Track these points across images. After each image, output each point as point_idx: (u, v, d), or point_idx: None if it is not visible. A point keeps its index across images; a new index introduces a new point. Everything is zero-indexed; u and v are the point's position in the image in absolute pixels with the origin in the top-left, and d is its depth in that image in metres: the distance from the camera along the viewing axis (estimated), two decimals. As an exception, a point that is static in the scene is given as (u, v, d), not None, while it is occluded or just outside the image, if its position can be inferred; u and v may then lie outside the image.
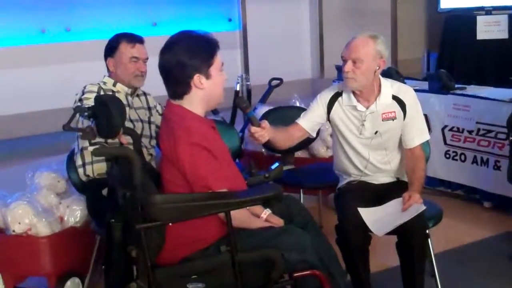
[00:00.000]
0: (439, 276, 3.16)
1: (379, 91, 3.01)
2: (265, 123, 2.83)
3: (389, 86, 3.04)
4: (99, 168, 3.11)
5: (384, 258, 3.42)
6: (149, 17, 7.52)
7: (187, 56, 2.42)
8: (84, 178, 3.17)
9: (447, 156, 4.70)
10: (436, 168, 4.67)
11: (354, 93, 3.02)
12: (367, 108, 3.01)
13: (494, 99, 4.36)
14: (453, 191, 4.77)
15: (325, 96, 3.10)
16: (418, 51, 8.60)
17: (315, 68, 8.74)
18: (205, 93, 2.48)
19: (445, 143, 4.69)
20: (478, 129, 4.45)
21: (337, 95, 3.08)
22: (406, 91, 3.06)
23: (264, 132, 2.81)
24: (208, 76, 2.47)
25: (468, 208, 4.56)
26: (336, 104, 3.07)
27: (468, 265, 3.63)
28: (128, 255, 2.30)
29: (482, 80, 5.24)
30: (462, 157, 4.60)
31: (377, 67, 2.94)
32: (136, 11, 7.39)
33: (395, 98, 3.02)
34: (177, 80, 2.46)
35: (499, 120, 4.28)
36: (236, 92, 5.53)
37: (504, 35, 6.82)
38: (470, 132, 4.51)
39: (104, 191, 3.02)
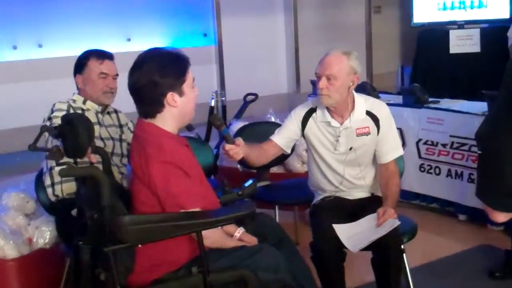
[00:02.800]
0: (415, 291, 3.14)
1: (353, 107, 3.00)
2: (239, 140, 2.80)
3: (363, 102, 3.03)
4: (68, 188, 3.04)
5: (360, 273, 3.39)
6: (123, 33, 7.47)
7: (159, 74, 2.37)
8: (53, 198, 3.10)
9: (422, 169, 4.70)
10: (411, 181, 4.66)
11: (328, 109, 3.00)
12: (341, 124, 3.00)
13: (467, 112, 4.38)
14: (428, 205, 4.77)
15: (299, 113, 3.08)
16: (393, 65, 8.67)
17: (291, 83, 8.75)
18: (178, 111, 2.44)
19: (420, 156, 4.70)
20: (452, 143, 4.47)
21: (311, 111, 3.06)
22: (379, 107, 3.05)
23: (238, 150, 2.78)
24: (181, 94, 2.43)
25: (443, 221, 4.56)
26: (311, 120, 3.05)
27: (443, 279, 3.62)
28: (97, 279, 2.24)
29: (455, 93, 5.27)
30: (437, 170, 4.60)
31: (351, 83, 2.93)
32: (110, 26, 7.32)
33: (368, 113, 3.01)
34: (149, 99, 2.41)
35: (473, 133, 4.23)
36: (211, 108, 5.50)
37: (477, 48, 6.89)
38: (444, 145, 4.53)
39: (74, 212, 2.95)
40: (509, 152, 1.36)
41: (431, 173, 4.64)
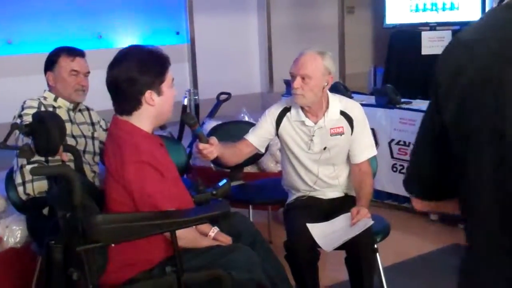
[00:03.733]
0: (388, 290, 3.16)
1: (327, 106, 3.01)
2: (213, 139, 2.79)
3: (337, 102, 3.04)
4: (39, 186, 2.99)
5: (333, 272, 3.40)
6: (94, 30, 7.37)
7: (138, 72, 2.35)
8: (24, 197, 3.04)
9: (394, 169, 4.74)
10: (384, 181, 4.69)
11: (302, 108, 3.00)
12: (316, 123, 3.00)
13: (439, 113, 4.41)
14: (400, 204, 4.80)
15: (273, 112, 3.08)
16: (365, 66, 8.72)
17: (264, 82, 8.74)
18: (155, 110, 2.41)
19: (392, 156, 4.73)
20: (424, 143, 4.49)
21: (286, 110, 3.06)
22: (353, 107, 3.07)
23: (212, 149, 2.77)
24: (159, 93, 2.40)
25: (415, 221, 4.58)
26: (285, 119, 3.04)
27: (416, 279, 3.65)
28: (69, 278, 2.21)
29: (427, 94, 5.29)
30: (409, 170, 4.63)
31: (326, 83, 2.93)
32: (81, 23, 7.23)
33: (342, 113, 3.02)
34: (127, 96, 2.38)
35: (445, 134, 4.34)
36: (184, 107, 5.45)
37: (448, 50, 6.95)
38: (416, 145, 4.55)
39: (45, 210, 2.91)
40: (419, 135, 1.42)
41: (403, 173, 4.66)
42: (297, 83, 2.89)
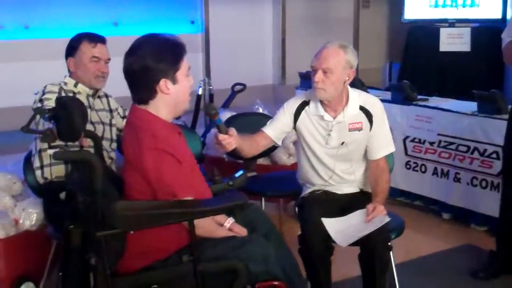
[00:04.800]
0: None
1: (347, 101, 2.99)
2: (232, 130, 2.78)
3: (357, 97, 3.02)
4: (57, 170, 3.01)
5: (345, 267, 3.40)
6: (110, 17, 7.40)
7: (153, 60, 2.33)
8: (41, 181, 3.07)
9: (408, 166, 4.73)
10: (397, 178, 4.69)
11: (321, 102, 2.99)
12: (334, 118, 2.99)
13: (456, 112, 4.41)
14: (413, 202, 4.81)
15: (292, 105, 3.07)
16: (379, 61, 8.69)
17: (276, 74, 8.74)
18: (171, 98, 2.40)
19: (406, 153, 4.73)
20: (440, 141, 4.49)
21: (304, 104, 3.05)
22: (373, 102, 3.05)
23: (231, 140, 2.76)
24: (174, 81, 2.39)
25: (427, 219, 4.59)
26: (303, 113, 3.03)
27: (427, 278, 3.64)
28: (86, 263, 2.22)
29: (443, 92, 5.30)
30: (423, 168, 4.63)
31: (347, 78, 2.92)
32: (97, 10, 7.25)
33: (362, 109, 3.01)
34: (142, 84, 2.37)
35: (461, 132, 4.34)
36: (198, 96, 5.48)
37: (467, 48, 6.92)
38: (431, 143, 4.55)
39: (62, 195, 2.92)
40: None
41: (417, 170, 4.68)
42: (319, 77, 2.88)
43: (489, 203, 4.15)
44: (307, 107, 3.04)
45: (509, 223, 3.60)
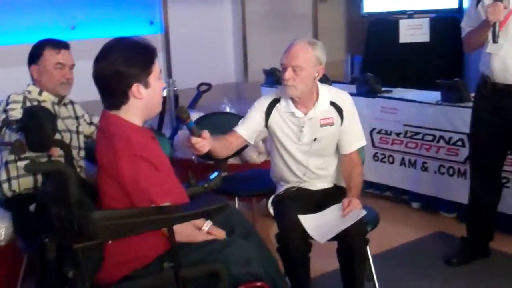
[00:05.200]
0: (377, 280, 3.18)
1: (317, 97, 3.00)
2: (205, 133, 2.76)
3: (327, 92, 3.03)
4: (25, 182, 2.94)
5: (322, 262, 3.40)
6: (67, 21, 7.24)
7: (124, 65, 2.29)
8: (9, 194, 2.99)
9: (376, 158, 4.77)
10: (365, 170, 4.59)
11: (292, 99, 2.99)
12: (306, 114, 2.99)
13: (421, 102, 4.45)
14: (382, 193, 4.85)
15: (262, 103, 3.06)
16: (339, 54, 8.73)
17: (239, 72, 8.71)
18: (143, 103, 2.36)
19: (374, 145, 4.76)
20: (406, 132, 4.54)
21: (275, 101, 3.04)
22: (343, 97, 3.06)
23: (205, 143, 2.74)
24: (147, 85, 2.35)
25: (398, 210, 4.63)
26: (274, 110, 3.03)
27: (403, 267, 3.68)
28: (64, 277, 2.17)
29: (405, 83, 5.34)
30: (391, 159, 4.67)
31: (317, 74, 2.93)
32: (53, 13, 7.08)
33: (332, 104, 3.02)
34: (114, 90, 2.32)
35: (426, 122, 4.39)
36: (163, 98, 5.40)
37: (426, 38, 7.00)
38: (397, 134, 4.60)
39: (32, 207, 2.85)
40: None
41: (384, 162, 4.71)
42: (289, 74, 2.87)
43: (457, 190, 4.21)
44: (278, 105, 3.03)
45: (479, 209, 3.67)
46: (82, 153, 3.21)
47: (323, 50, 2.94)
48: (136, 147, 2.28)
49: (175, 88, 5.47)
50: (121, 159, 2.26)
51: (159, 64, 2.40)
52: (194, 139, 2.72)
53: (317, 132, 3.00)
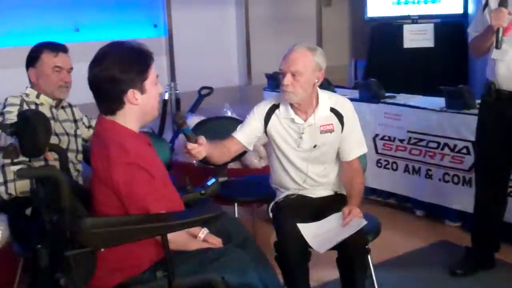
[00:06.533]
0: (378, 289, 3.13)
1: (317, 103, 2.95)
2: (202, 139, 2.71)
3: (327, 98, 2.98)
4: (22, 186, 2.90)
5: (322, 272, 3.36)
6: (71, 22, 7.23)
7: (119, 70, 2.24)
8: (5, 197, 2.95)
9: (379, 165, 4.71)
10: (368, 177, 4.59)
11: (291, 105, 2.94)
12: (305, 120, 2.94)
13: (425, 108, 4.40)
14: (385, 200, 4.79)
15: (262, 109, 3.01)
16: (343, 59, 8.69)
17: (242, 75, 8.68)
18: (139, 109, 2.32)
19: (377, 152, 4.70)
20: (410, 138, 4.48)
21: (274, 107, 2.99)
22: (343, 103, 3.02)
23: (201, 149, 2.70)
24: (143, 91, 2.30)
25: (401, 217, 4.57)
26: (274, 116, 2.98)
27: (405, 277, 3.61)
28: (55, 284, 2.13)
29: (409, 88, 5.29)
30: (394, 166, 4.61)
31: (316, 80, 2.88)
32: (57, 15, 7.07)
33: (333, 110, 2.97)
34: (109, 96, 2.28)
35: (430, 129, 4.33)
36: (165, 101, 5.39)
37: (430, 43, 6.94)
38: (401, 141, 4.54)
39: (28, 211, 2.82)
40: None
41: (388, 168, 4.66)
42: (287, 80, 2.83)
43: (462, 199, 4.15)
44: (277, 111, 2.99)
45: (484, 218, 3.60)
46: (80, 156, 3.17)
47: (323, 55, 2.90)
48: (131, 154, 2.24)
49: (177, 92, 5.45)
50: (115, 166, 2.21)
51: (155, 70, 2.36)
52: (190, 145, 2.68)
53: (317, 139, 2.96)
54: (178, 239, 2.28)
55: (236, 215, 3.54)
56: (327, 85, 4.69)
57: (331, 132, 2.97)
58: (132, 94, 2.28)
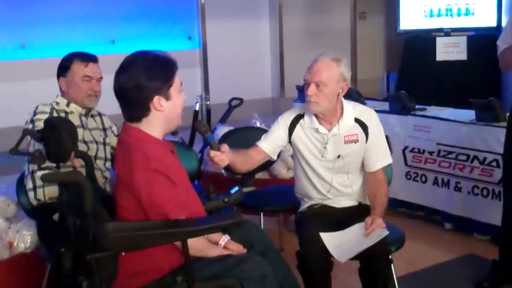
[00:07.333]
0: (402, 301, 3.11)
1: (342, 113, 2.96)
2: (224, 147, 2.75)
3: (352, 109, 2.99)
4: (50, 192, 2.97)
5: (345, 282, 3.35)
6: (107, 35, 7.39)
7: (145, 77, 2.30)
8: (34, 202, 3.03)
9: (408, 177, 4.68)
10: (397, 189, 4.63)
11: (316, 115, 2.96)
12: (329, 130, 2.95)
13: (454, 120, 4.36)
14: (414, 212, 4.75)
15: (286, 118, 3.03)
16: (377, 72, 8.67)
17: (275, 87, 8.72)
18: (164, 115, 2.37)
19: (406, 164, 4.68)
20: (439, 150, 4.45)
21: (299, 117, 3.01)
22: (368, 114, 3.02)
23: (223, 156, 2.73)
24: (168, 98, 2.36)
25: (429, 230, 4.53)
26: (298, 126, 3.00)
27: (431, 289, 3.59)
28: (79, 286, 2.18)
29: (441, 101, 5.26)
30: (423, 178, 4.58)
31: (340, 90, 2.89)
32: (93, 28, 7.24)
33: (357, 120, 2.97)
34: (135, 103, 2.34)
35: (460, 141, 4.29)
36: (196, 112, 5.45)
37: (463, 56, 6.90)
38: (430, 153, 4.51)
39: (55, 216, 2.88)
40: None
41: (417, 180, 4.62)
42: (312, 90, 2.85)
43: (491, 212, 4.09)
44: (301, 120, 3.01)
45: (512, 232, 3.55)
46: (108, 164, 3.23)
47: (347, 66, 2.91)
48: (153, 161, 2.29)
49: (208, 103, 5.50)
50: (136, 171, 2.26)
51: (179, 77, 2.41)
52: (213, 153, 2.72)
53: (341, 149, 2.96)
54: (198, 245, 2.31)
55: (262, 225, 3.57)
56: (357, 97, 4.70)
57: (355, 142, 2.98)
58: (157, 101, 2.34)
